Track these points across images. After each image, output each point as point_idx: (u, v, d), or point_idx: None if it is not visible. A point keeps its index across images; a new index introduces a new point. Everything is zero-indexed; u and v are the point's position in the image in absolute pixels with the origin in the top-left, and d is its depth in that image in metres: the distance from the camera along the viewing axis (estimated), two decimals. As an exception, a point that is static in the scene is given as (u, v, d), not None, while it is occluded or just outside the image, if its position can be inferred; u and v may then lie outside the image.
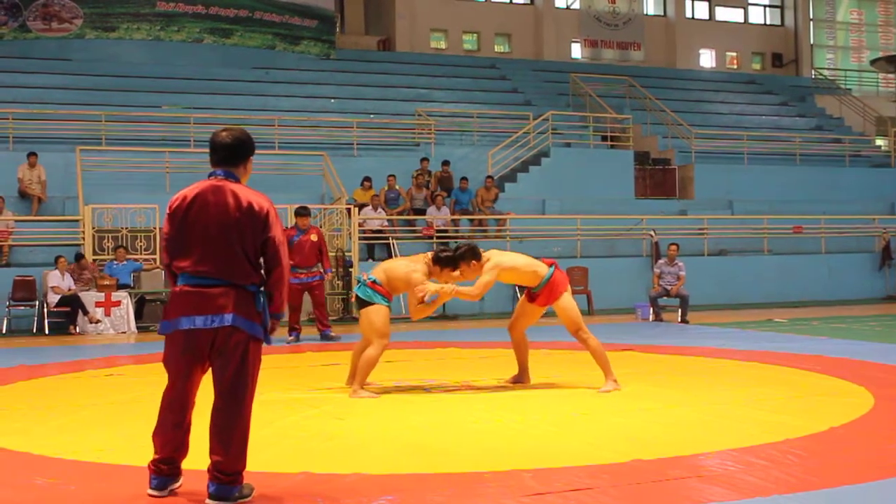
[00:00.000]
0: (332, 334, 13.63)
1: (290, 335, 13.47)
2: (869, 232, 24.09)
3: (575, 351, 8.92)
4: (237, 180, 4.93)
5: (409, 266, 8.18)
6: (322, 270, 13.78)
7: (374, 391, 8.11)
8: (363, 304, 8.08)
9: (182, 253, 4.80)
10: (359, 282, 8.22)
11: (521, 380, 8.66)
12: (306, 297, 13.95)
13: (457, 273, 8.16)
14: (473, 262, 8.12)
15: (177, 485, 4.85)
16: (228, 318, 4.69)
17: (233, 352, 4.72)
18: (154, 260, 17.61)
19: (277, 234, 4.87)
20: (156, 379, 9.50)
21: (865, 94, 36.26)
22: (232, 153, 4.94)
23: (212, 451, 4.70)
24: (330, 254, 18.39)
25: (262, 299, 4.83)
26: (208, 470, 4.69)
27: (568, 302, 8.26)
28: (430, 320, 17.68)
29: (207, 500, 4.65)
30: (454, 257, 8.16)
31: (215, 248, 4.75)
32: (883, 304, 21.46)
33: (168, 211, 4.89)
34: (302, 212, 13.69)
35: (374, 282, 8.07)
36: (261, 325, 4.82)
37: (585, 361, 8.73)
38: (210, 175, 4.92)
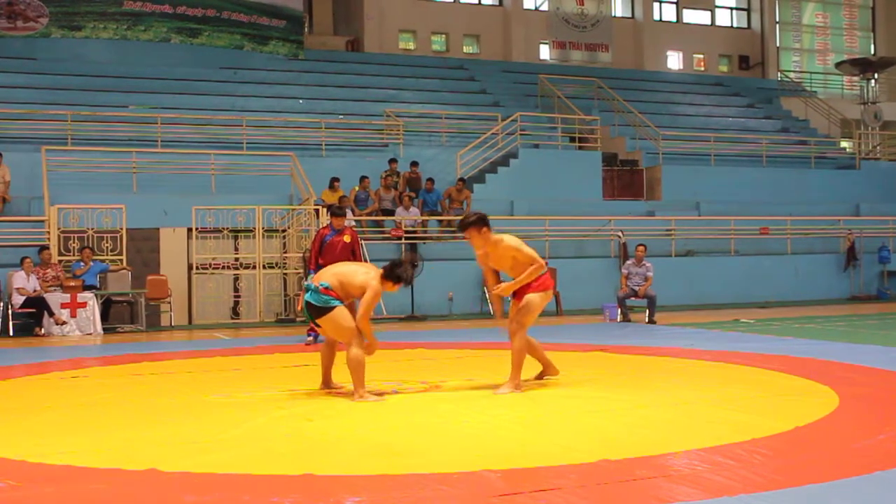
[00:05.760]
0: None
1: (309, 335, 13.06)
2: (834, 233, 24.32)
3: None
4: None
5: (366, 273, 8.06)
6: None
7: (376, 393, 8.00)
8: (318, 311, 7.88)
9: None
10: (308, 289, 7.99)
11: (546, 374, 8.74)
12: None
13: (396, 288, 8.14)
14: (484, 228, 8.27)
15: None
16: None
17: None
18: (121, 261, 17.52)
19: None
20: (123, 381, 9.47)
21: (830, 96, 36.62)
22: None
23: None
24: (297, 255, 18.41)
25: None
26: None
27: (535, 299, 8.30)
28: (398, 321, 17.68)
29: None
30: (464, 224, 8.31)
31: None
32: (848, 304, 21.66)
33: None
34: (337, 212, 12.98)
35: (326, 287, 7.89)
36: None
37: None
38: None
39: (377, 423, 6.77)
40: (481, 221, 8.30)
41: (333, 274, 8.06)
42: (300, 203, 19.30)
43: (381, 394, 8.02)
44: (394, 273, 7.99)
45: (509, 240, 8.36)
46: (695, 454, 5.46)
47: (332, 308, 7.84)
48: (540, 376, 8.77)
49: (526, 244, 8.40)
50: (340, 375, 8.68)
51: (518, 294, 8.38)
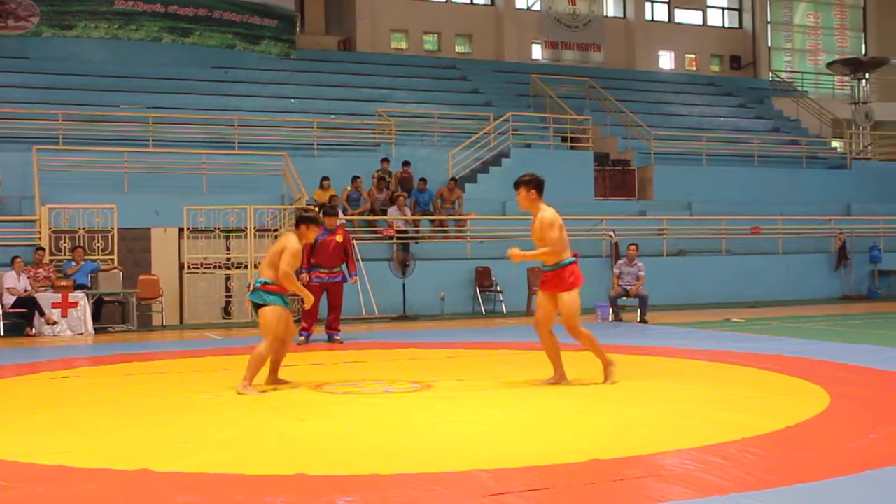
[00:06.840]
0: (338, 338, 13.15)
1: (301, 335, 12.81)
2: (825, 233, 24.36)
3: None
4: None
5: (279, 246, 8.31)
6: (345, 272, 13.12)
7: (261, 389, 8.25)
8: (259, 306, 8.26)
9: None
10: (248, 288, 8.28)
11: (558, 381, 8.45)
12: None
13: (312, 232, 8.55)
14: (533, 191, 8.40)
15: None
16: None
17: None
18: (112, 260, 17.48)
19: None
20: (114, 381, 9.45)
21: (822, 96, 36.67)
22: None
23: None
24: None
25: None
26: None
27: (566, 299, 8.28)
28: (389, 321, 17.66)
29: None
30: (517, 182, 8.44)
31: None
32: (839, 304, 21.69)
33: None
34: (330, 211, 13.01)
35: (265, 283, 8.20)
36: None
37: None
38: None
39: (369, 423, 6.77)
40: (532, 183, 8.42)
41: (265, 265, 8.35)
42: (292, 203, 19.27)
43: (262, 391, 8.19)
44: (299, 221, 8.53)
45: (548, 215, 8.38)
46: (686, 453, 5.47)
47: (267, 304, 8.21)
48: (552, 381, 8.58)
49: (560, 231, 8.33)
50: (339, 374, 8.69)
51: (546, 285, 8.35)
